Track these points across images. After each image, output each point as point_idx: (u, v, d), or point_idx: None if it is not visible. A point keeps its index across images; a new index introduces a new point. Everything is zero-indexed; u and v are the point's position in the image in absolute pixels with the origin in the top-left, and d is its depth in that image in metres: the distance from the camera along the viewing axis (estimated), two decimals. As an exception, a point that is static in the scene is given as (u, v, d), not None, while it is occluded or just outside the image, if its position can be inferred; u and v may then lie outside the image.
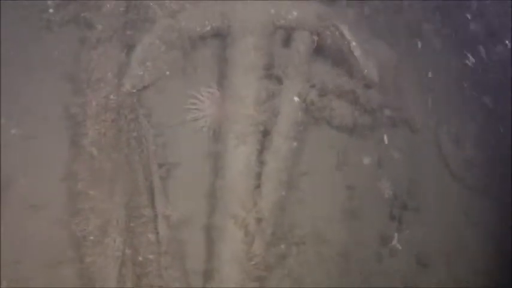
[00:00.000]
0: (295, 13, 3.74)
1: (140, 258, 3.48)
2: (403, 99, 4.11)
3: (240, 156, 3.39)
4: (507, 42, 4.40)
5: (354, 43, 3.67)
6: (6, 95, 4.21)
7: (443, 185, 4.27)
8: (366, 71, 3.71)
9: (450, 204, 4.24)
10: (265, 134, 3.56)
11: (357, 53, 3.67)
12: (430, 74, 4.24)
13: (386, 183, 4.06)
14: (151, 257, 3.48)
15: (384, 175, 4.09)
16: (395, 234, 3.97)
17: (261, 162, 3.50)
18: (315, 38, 3.79)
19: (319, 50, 3.84)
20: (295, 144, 3.60)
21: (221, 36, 3.89)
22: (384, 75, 3.82)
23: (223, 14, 3.76)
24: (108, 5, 4.13)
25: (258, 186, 3.45)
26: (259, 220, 3.33)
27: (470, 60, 4.28)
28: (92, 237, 3.44)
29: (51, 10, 4.26)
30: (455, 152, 4.32)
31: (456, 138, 4.34)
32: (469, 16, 4.52)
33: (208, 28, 3.83)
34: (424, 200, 4.14)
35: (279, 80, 3.71)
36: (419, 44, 4.32)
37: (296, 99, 3.66)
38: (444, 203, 4.21)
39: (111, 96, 3.75)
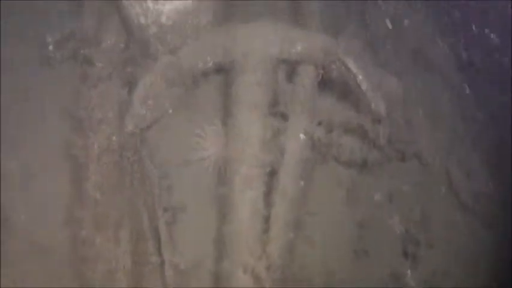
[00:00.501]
0: (299, 47, 3.65)
1: (147, 307, 3.40)
2: (412, 132, 4.00)
3: (247, 201, 3.26)
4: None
5: (360, 76, 3.58)
6: (6, 134, 4.17)
7: (456, 219, 4.14)
8: (373, 104, 3.62)
9: (463, 238, 4.12)
10: (272, 174, 3.46)
11: (364, 86, 3.58)
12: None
13: (398, 219, 3.95)
14: (158, 305, 3.40)
15: (395, 211, 3.97)
16: (408, 271, 3.86)
17: (269, 205, 3.39)
18: (320, 71, 3.71)
19: (324, 84, 3.75)
20: (302, 183, 3.50)
21: (224, 71, 3.82)
22: (391, 108, 3.72)
23: (226, 49, 3.67)
24: (108, 41, 4.08)
25: (266, 231, 3.35)
26: (268, 266, 3.23)
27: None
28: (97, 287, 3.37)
29: (50, 47, 4.20)
30: (466, 184, 4.20)
31: (467, 170, 4.22)
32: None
33: (211, 64, 3.73)
34: (436, 234, 4.01)
35: (284, 117, 3.62)
36: (426, 73, 4.23)
37: (302, 136, 3.56)
38: (457, 237, 4.09)
39: (113, 138, 3.68)
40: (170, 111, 3.83)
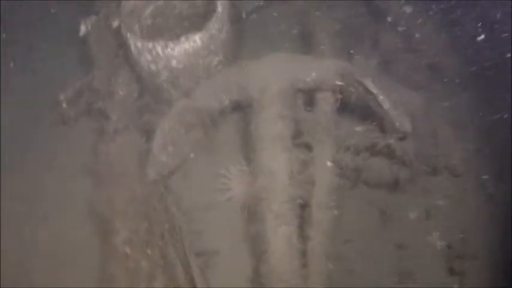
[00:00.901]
0: (314, 74, 3.58)
1: None
2: (439, 145, 3.88)
3: (281, 237, 3.15)
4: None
5: (381, 96, 3.48)
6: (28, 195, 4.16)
7: (496, 225, 3.98)
8: (397, 122, 3.52)
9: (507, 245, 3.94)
10: (304, 206, 3.35)
11: (386, 105, 3.47)
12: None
13: (438, 235, 3.80)
14: None
15: (434, 227, 3.82)
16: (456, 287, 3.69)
17: (304, 238, 3.28)
18: (339, 96, 3.64)
19: (344, 109, 3.67)
20: (336, 212, 3.39)
21: (241, 109, 3.77)
22: (416, 123, 3.62)
23: (241, 86, 3.62)
24: (120, 92, 4.07)
25: (305, 265, 3.23)
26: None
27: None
28: None
29: (64, 105, 4.19)
30: (503, 188, 4.03)
31: (500, 174, 4.06)
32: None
33: (227, 102, 3.69)
34: (480, 245, 3.85)
35: (309, 147, 3.53)
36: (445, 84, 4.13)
37: (329, 164, 3.46)
38: (501, 244, 3.92)
39: (137, 189, 3.61)
40: (192, 155, 3.78)
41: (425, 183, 3.93)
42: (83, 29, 4.25)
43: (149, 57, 3.66)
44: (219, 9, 3.73)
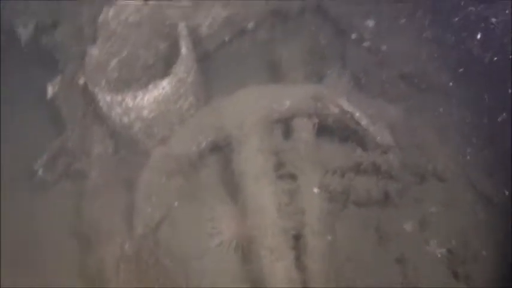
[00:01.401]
0: (288, 102, 3.56)
1: None
2: (424, 152, 3.86)
3: (279, 272, 3.08)
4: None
5: (357, 113, 3.47)
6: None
7: (492, 227, 3.93)
8: (378, 137, 3.50)
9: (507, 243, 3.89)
10: (298, 237, 3.28)
11: (364, 122, 3.47)
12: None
13: (436, 243, 3.75)
14: None
15: (430, 235, 3.77)
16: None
17: (302, 268, 3.19)
18: (316, 121, 3.61)
19: (323, 132, 3.65)
20: (330, 237, 3.32)
21: (219, 149, 3.72)
22: (397, 134, 3.61)
23: (215, 125, 3.59)
24: (95, 150, 4.00)
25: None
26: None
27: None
28: None
29: (40, 171, 4.10)
30: (492, 187, 4.00)
31: (488, 173, 4.04)
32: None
33: (204, 144, 3.65)
34: (479, 246, 3.80)
35: (294, 177, 3.47)
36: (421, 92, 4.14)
37: (316, 190, 3.40)
38: (499, 247, 3.87)
39: (126, 246, 3.52)
40: (176, 203, 3.70)
41: (415, 193, 3.90)
42: (50, 90, 4.19)
43: (120, 110, 3.60)
44: (184, 51, 3.71)
